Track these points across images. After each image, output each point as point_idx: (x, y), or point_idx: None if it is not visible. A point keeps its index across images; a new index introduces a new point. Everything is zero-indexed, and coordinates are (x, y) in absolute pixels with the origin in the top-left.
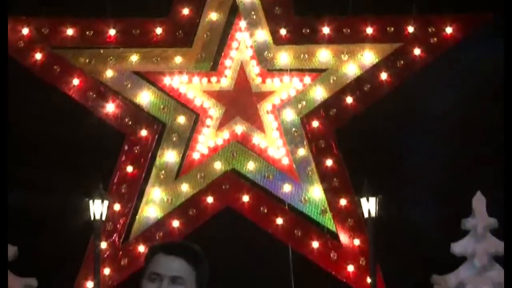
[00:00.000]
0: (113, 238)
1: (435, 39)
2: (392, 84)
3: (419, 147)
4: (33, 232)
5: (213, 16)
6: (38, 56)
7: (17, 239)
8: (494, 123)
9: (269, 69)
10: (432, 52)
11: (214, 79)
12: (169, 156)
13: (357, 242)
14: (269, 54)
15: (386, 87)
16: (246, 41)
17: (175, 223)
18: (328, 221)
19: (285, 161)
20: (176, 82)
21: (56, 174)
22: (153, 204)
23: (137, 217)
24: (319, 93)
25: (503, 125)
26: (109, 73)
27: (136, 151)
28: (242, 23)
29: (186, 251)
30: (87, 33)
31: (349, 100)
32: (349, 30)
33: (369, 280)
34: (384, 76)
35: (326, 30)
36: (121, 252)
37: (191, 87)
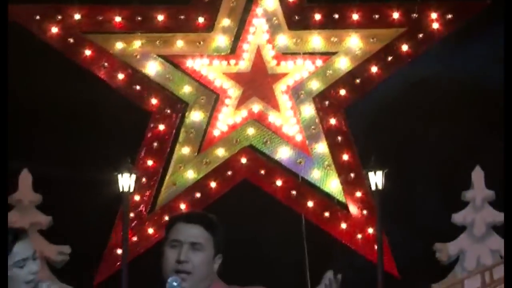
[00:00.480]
0: (140, 208)
1: (437, 24)
2: (397, 67)
3: (423, 125)
4: (66, 203)
5: (232, 3)
6: (71, 40)
7: (52, 209)
8: (492, 102)
9: (284, 52)
10: (433, 37)
11: (232, 61)
12: (191, 133)
13: (365, 212)
14: (284, 38)
15: (392, 69)
16: (262, 26)
17: (197, 195)
18: (339, 193)
19: (299, 137)
20: (198, 64)
21: (88, 150)
22: (177, 178)
23: (162, 189)
24: (330, 75)
25: (504, 103)
26: (136, 57)
27: (161, 128)
28: (259, 10)
29: (203, 219)
30: (116, 19)
31: (357, 81)
32: (357, 17)
33: (376, 247)
34: (389, 58)
35: (336, 16)
36: (147, 222)
37: (212, 69)
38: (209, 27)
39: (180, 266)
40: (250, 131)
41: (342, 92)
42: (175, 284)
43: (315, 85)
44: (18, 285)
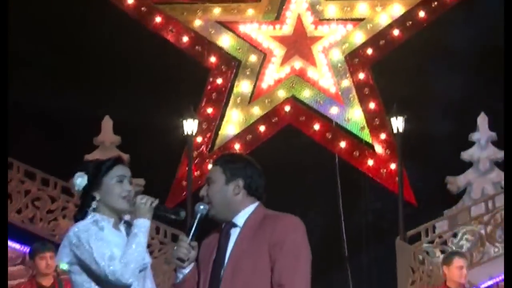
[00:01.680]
0: (201, 149)
1: None
2: (415, 30)
3: (437, 77)
4: (142, 143)
5: None
6: (144, 9)
7: (129, 148)
8: (497, 59)
9: (320, 19)
10: (448, 2)
11: (277, 26)
12: (244, 86)
13: (388, 151)
14: (320, 7)
15: (410, 33)
16: None
17: (249, 137)
18: (366, 135)
19: (333, 89)
20: (249, 29)
21: (158, 100)
22: (231, 123)
23: (219, 132)
24: (359, 37)
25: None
26: (197, 23)
27: (218, 82)
28: None
29: (219, 158)
30: None
31: (381, 42)
32: None
33: (397, 180)
34: (409, 23)
35: None
36: (207, 159)
37: (260, 32)
38: None
39: (203, 201)
40: (293, 84)
41: (369, 51)
42: (201, 207)
43: (347, 45)
44: (116, 198)
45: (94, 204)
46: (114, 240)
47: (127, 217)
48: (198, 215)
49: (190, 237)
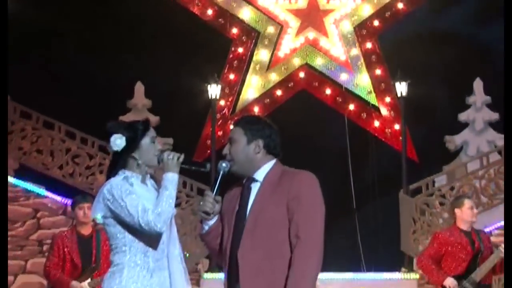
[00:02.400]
0: (224, 111)
1: None
2: (417, 4)
3: (438, 46)
4: (171, 106)
5: None
6: None
7: (158, 110)
8: (496, 34)
9: None
10: None
11: (293, 0)
12: (262, 54)
13: (392, 113)
14: None
15: (414, 6)
16: None
17: (267, 101)
18: (373, 99)
19: (343, 57)
20: (267, 2)
21: (185, 67)
22: (251, 88)
23: (240, 96)
24: (367, 10)
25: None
26: None
27: (239, 51)
28: None
29: (240, 120)
30: None
31: (387, 14)
32: None
33: (401, 139)
34: None
35: None
36: (229, 121)
37: (277, 6)
38: None
39: (225, 158)
40: (306, 52)
41: (376, 23)
42: (224, 165)
43: (356, 18)
44: (152, 157)
45: (132, 163)
46: (143, 194)
47: (151, 172)
48: (221, 172)
49: (215, 192)
